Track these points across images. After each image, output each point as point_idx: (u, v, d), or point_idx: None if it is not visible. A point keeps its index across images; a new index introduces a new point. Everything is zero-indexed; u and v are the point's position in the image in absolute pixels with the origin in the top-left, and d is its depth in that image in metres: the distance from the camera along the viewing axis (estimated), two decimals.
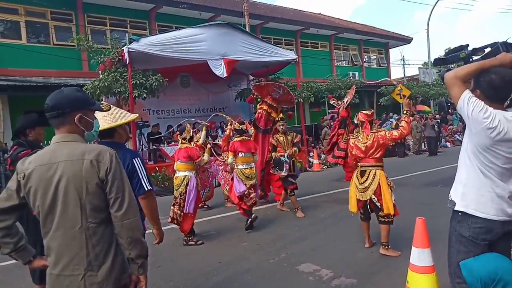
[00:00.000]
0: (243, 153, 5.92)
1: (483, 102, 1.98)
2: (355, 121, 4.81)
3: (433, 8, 23.47)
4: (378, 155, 4.43)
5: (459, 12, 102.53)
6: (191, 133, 5.72)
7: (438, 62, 2.34)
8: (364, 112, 4.62)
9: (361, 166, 4.51)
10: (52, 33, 13.73)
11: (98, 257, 1.70)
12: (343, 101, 9.16)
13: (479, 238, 2.05)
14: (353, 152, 4.56)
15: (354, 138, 4.61)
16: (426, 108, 22.63)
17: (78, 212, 1.68)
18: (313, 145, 14.43)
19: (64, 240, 1.69)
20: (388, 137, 4.38)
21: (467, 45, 2.22)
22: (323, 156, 13.14)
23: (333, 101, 8.79)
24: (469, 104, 1.98)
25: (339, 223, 5.28)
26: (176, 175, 5.54)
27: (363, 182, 4.41)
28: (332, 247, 4.79)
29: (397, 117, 16.79)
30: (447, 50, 38.22)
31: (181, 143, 5.63)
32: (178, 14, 15.95)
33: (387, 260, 4.21)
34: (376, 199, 4.34)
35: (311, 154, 13.43)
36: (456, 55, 2.20)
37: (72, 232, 1.69)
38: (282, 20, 19.23)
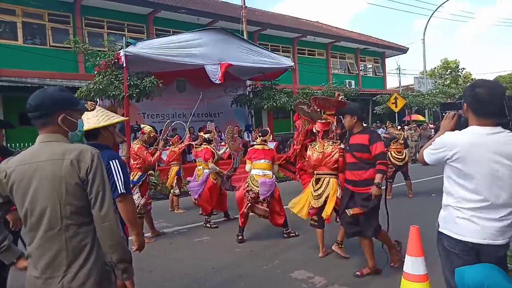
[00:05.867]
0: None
1: (435, 144, 2.14)
2: (314, 130, 4.94)
3: (429, 19, 23.88)
4: (335, 165, 4.52)
5: (457, 23, 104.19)
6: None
7: (445, 107, 2.36)
8: (321, 121, 4.74)
9: (317, 174, 4.65)
10: (49, 35, 13.70)
11: (77, 260, 1.66)
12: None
13: (456, 249, 2.07)
14: (310, 161, 4.69)
15: (312, 147, 4.73)
16: (420, 117, 22.77)
17: (58, 213, 1.64)
18: None
19: (43, 241, 1.66)
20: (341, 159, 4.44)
21: None
22: None
23: (342, 97, 8.31)
24: (430, 155, 2.17)
25: (332, 230, 5.26)
26: None
27: (317, 189, 4.56)
28: None
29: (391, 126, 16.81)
30: (443, 61, 38.04)
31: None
32: (176, 19, 15.98)
33: (381, 268, 4.19)
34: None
35: None
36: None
37: (52, 234, 1.65)
38: (280, 27, 19.34)
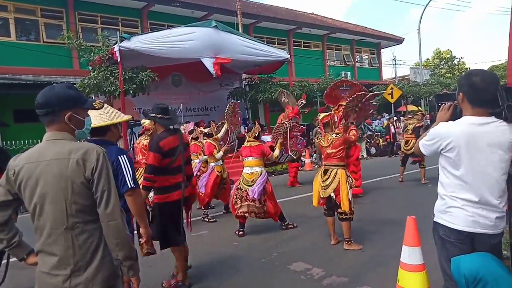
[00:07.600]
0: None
1: (429, 135, 2.15)
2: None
3: (424, 9, 23.77)
4: (339, 156, 4.65)
5: (453, 12, 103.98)
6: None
7: (441, 98, 2.38)
8: (320, 116, 4.93)
9: (325, 165, 4.76)
10: (42, 31, 13.54)
11: (84, 257, 1.68)
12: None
13: (452, 238, 2.10)
14: (322, 151, 4.90)
15: (318, 140, 4.90)
16: (414, 108, 22.80)
17: (64, 211, 1.66)
18: (305, 144, 14.44)
19: (51, 240, 1.68)
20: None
21: None
22: (314, 155, 13.22)
23: (302, 100, 8.99)
24: (426, 146, 2.19)
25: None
26: None
27: (325, 180, 4.65)
28: (323, 246, 4.80)
29: (388, 117, 16.88)
30: (436, 51, 37.96)
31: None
32: (170, 13, 15.84)
33: (378, 259, 4.24)
34: (334, 197, 4.57)
35: (303, 153, 13.45)
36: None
37: (59, 232, 1.67)
38: (275, 19, 19.22)
